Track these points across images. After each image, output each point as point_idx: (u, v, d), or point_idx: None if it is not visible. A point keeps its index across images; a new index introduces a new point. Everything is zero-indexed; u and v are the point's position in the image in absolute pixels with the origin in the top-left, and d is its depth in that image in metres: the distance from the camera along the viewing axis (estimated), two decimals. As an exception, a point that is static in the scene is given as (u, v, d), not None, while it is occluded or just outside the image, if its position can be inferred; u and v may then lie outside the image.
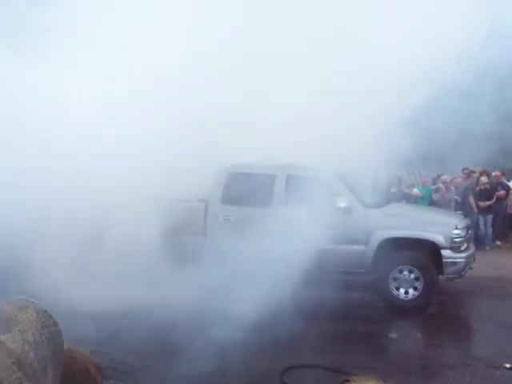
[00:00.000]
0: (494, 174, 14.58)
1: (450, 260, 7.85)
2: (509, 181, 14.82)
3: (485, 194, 13.66)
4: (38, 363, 0.82)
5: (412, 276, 7.95)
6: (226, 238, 8.08)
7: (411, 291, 7.95)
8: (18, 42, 7.88)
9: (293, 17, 7.89)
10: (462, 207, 13.25)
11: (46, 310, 0.90)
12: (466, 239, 8.29)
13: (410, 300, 7.93)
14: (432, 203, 13.03)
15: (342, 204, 8.05)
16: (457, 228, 8.01)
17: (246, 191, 8.37)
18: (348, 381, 1.22)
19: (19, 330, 0.83)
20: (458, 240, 7.94)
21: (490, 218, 13.70)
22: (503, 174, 14.60)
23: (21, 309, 0.89)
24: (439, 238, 7.89)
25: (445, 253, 7.85)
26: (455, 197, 13.56)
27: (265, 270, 7.32)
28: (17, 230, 7.09)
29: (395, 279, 7.99)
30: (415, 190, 13.46)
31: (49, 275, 7.12)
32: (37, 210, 7.30)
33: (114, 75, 7.66)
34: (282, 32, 7.83)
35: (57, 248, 7.39)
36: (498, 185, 14.10)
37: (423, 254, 7.95)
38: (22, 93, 7.75)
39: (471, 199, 13.59)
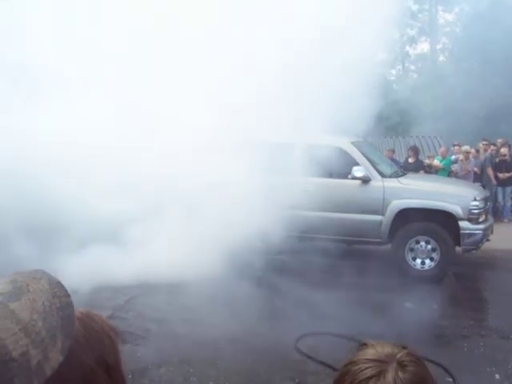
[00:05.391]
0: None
1: (467, 231, 7.81)
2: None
3: (504, 165, 13.48)
4: (46, 332, 0.85)
5: (429, 247, 7.93)
6: None
7: (428, 262, 7.95)
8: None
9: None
10: (481, 179, 13.12)
11: (58, 281, 0.93)
12: (485, 211, 8.21)
13: (427, 270, 7.93)
14: (451, 174, 12.92)
15: (360, 173, 8.00)
16: (475, 199, 7.93)
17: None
18: (365, 344, 1.26)
19: (29, 299, 0.86)
20: (475, 211, 7.88)
21: (508, 189, 13.53)
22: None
23: (34, 279, 0.92)
24: (457, 209, 7.83)
25: (462, 224, 7.79)
26: (474, 168, 13.41)
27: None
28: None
29: (412, 249, 7.99)
30: (436, 161, 13.32)
31: None
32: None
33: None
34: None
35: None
36: (518, 156, 13.90)
37: (440, 225, 7.91)
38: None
39: (490, 171, 13.42)
